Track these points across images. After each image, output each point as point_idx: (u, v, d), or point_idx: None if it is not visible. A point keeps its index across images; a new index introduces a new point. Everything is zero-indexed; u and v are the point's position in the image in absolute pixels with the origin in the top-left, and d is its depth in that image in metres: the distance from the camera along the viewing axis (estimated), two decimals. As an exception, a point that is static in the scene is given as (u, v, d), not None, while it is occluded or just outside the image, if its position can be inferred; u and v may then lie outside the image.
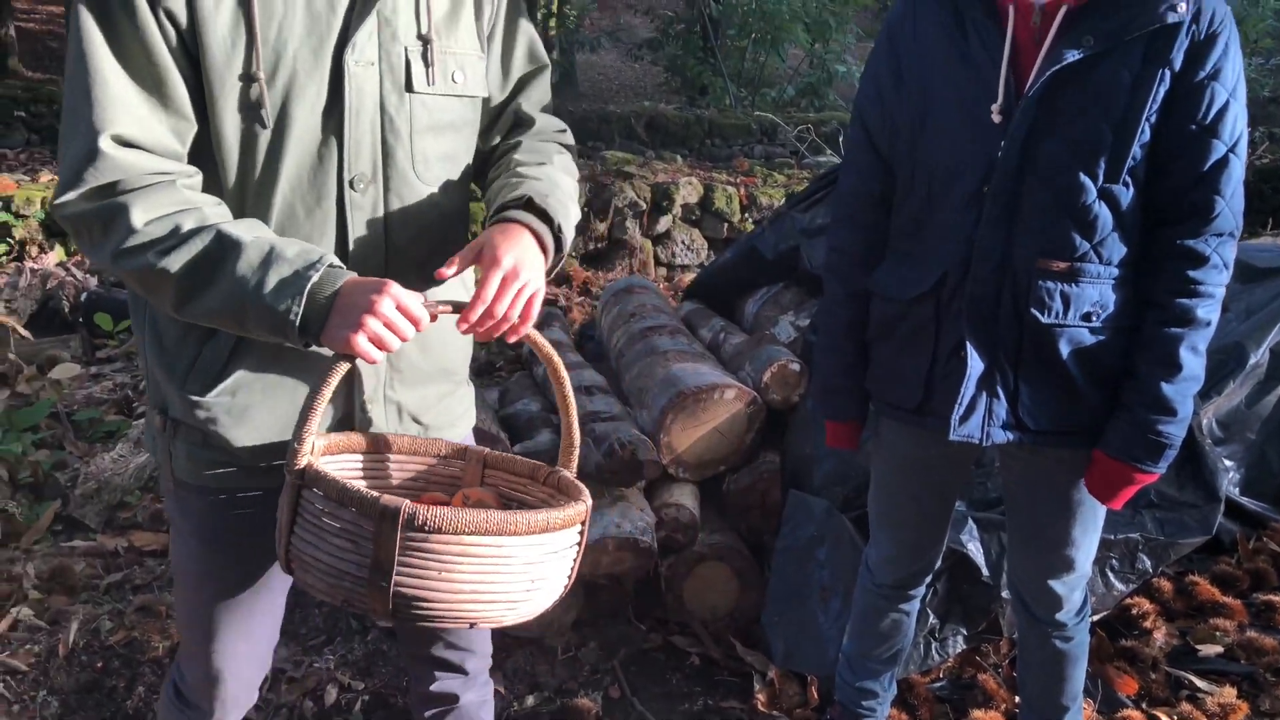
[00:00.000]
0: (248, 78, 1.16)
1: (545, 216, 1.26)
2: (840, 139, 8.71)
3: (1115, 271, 1.48)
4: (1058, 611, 1.75)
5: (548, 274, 1.27)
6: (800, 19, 11.68)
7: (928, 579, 1.93)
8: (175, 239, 1.13)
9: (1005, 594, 2.18)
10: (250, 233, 1.15)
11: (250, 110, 1.17)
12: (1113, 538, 2.31)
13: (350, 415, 1.34)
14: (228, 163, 1.20)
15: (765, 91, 12.33)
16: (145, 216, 1.13)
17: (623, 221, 6.10)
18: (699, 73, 12.89)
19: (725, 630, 2.53)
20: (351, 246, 1.25)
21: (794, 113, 11.07)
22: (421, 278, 1.27)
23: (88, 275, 4.15)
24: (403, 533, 1.06)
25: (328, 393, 1.15)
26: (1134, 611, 2.45)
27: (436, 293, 1.28)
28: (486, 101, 1.38)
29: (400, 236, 1.29)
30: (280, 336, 1.15)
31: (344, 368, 1.15)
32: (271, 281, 1.12)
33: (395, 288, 1.13)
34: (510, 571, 1.12)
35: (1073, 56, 1.38)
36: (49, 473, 3.08)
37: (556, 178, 1.33)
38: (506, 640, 2.44)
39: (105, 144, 1.11)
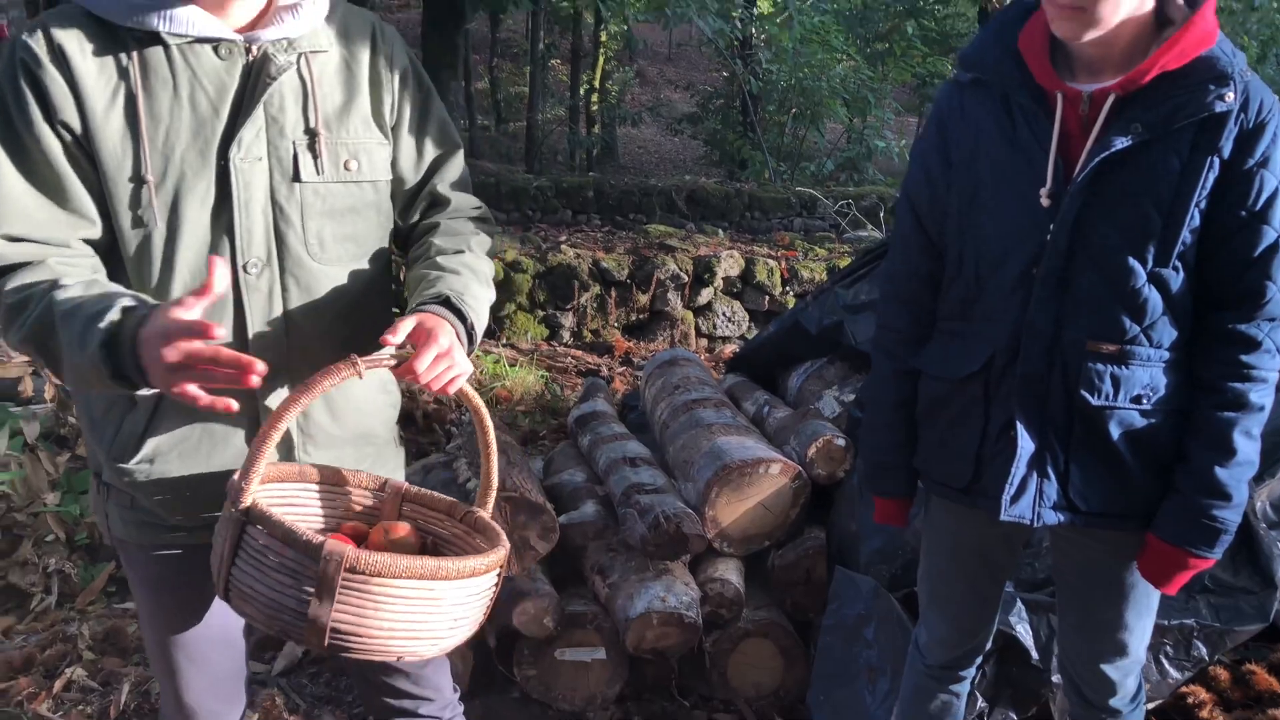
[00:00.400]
0: (138, 179, 1.27)
1: (460, 314, 1.33)
2: (880, 213, 8.78)
3: (1166, 355, 1.49)
4: (1112, 697, 1.72)
5: None
6: (839, 95, 11.85)
7: (978, 660, 1.91)
8: (20, 313, 1.22)
9: (1056, 678, 2.14)
10: (71, 294, 1.21)
11: (140, 210, 1.27)
12: (1167, 623, 2.26)
13: None
14: (129, 258, 1.30)
15: (804, 165, 12.47)
16: (11, 298, 1.22)
17: (665, 293, 6.17)
18: (738, 147, 13.09)
19: (770, 708, 2.51)
20: (250, 326, 1.35)
21: (833, 187, 11.18)
22: (326, 350, 1.36)
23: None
24: (344, 574, 1.13)
25: (281, 428, 1.19)
26: (1190, 700, 2.39)
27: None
28: (401, 183, 1.47)
29: (299, 315, 1.38)
30: (117, 391, 1.21)
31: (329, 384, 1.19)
32: (77, 341, 1.17)
33: (170, 325, 1.12)
34: (438, 611, 1.21)
35: (1121, 144, 1.41)
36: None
37: (474, 265, 1.43)
38: (550, 713, 2.43)
39: None
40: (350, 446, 1.49)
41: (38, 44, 1.23)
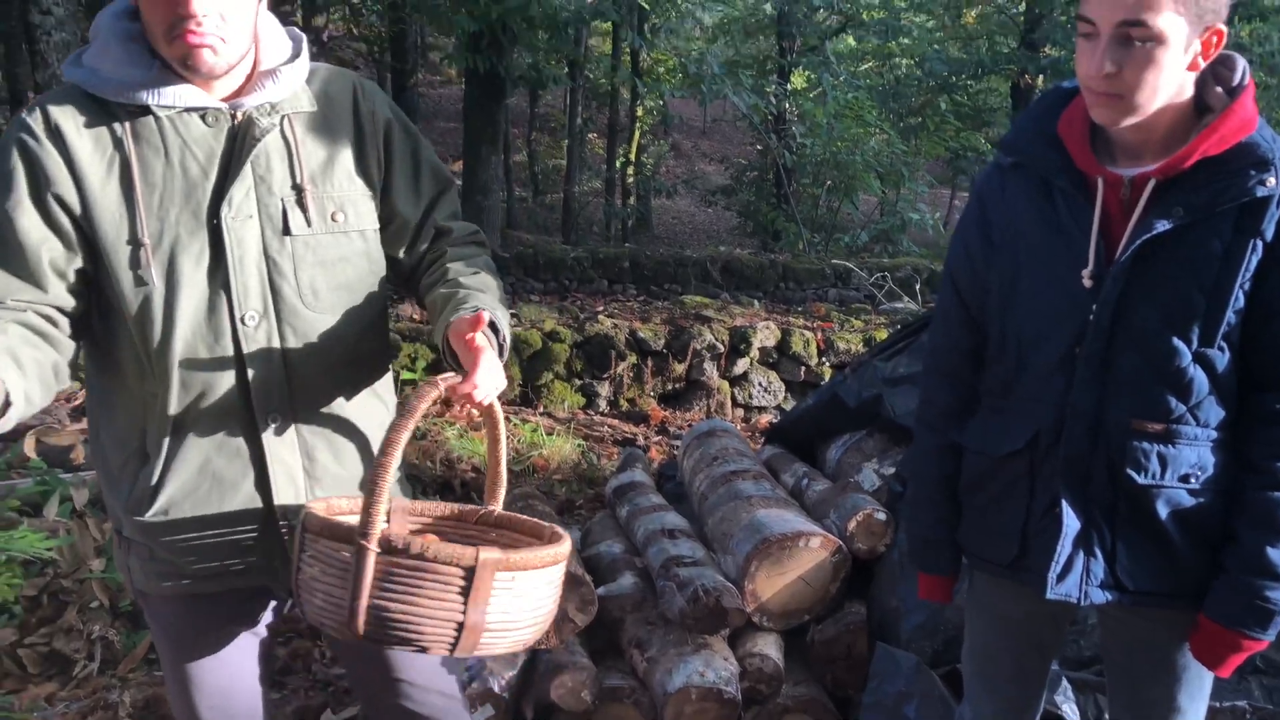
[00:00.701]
0: (135, 243, 1.35)
1: (493, 327, 1.44)
2: (916, 285, 8.80)
3: (1213, 434, 1.49)
4: (1164, 781, 1.68)
5: None
6: (873, 168, 11.97)
7: (1026, 742, 1.87)
8: None
9: (1106, 762, 2.10)
10: None
11: (140, 271, 1.35)
12: (1218, 705, 2.21)
13: (273, 523, 1.47)
14: (132, 317, 1.37)
15: (838, 236, 12.56)
16: None
17: (701, 363, 6.20)
18: (772, 218, 13.21)
19: (810, 788, 2.46)
20: (251, 374, 1.42)
21: (867, 258, 11.23)
22: (326, 392, 1.47)
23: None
24: (496, 577, 1.23)
25: (396, 456, 1.25)
26: (1245, 786, 2.32)
27: (348, 409, 1.51)
28: (404, 223, 1.56)
29: (298, 361, 1.45)
30: None
31: (431, 395, 1.28)
32: None
33: None
34: (550, 599, 1.34)
35: (1163, 227, 1.43)
36: (146, 600, 3.17)
37: (492, 285, 1.54)
38: (587, 789, 2.40)
39: None
40: (355, 487, 1.55)
41: (36, 122, 1.33)
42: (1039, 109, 1.59)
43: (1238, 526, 1.49)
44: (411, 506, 1.55)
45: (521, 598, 1.27)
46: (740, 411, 6.29)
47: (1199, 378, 1.47)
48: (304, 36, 1.52)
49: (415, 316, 6.16)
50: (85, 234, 1.36)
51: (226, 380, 1.41)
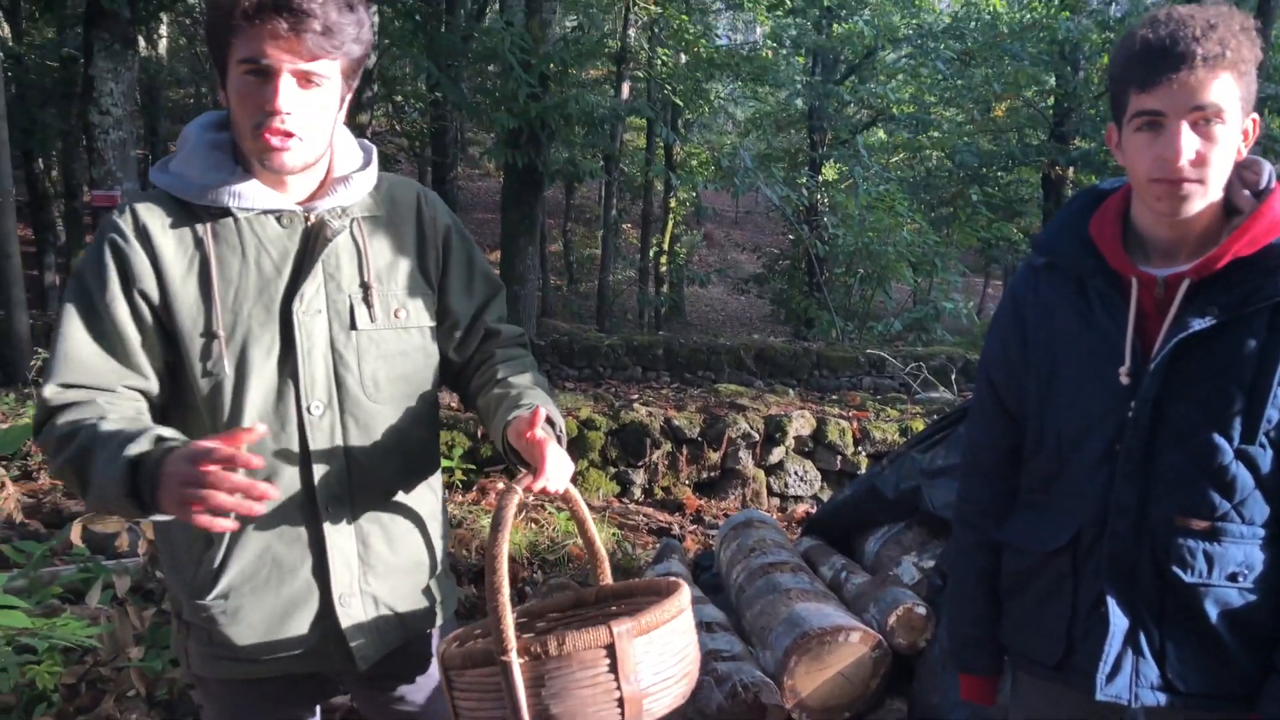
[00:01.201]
0: (209, 334, 1.43)
1: (549, 421, 1.49)
2: (951, 374, 8.78)
3: (1260, 531, 1.48)
4: None
5: None
6: (906, 258, 12.06)
7: None
8: (66, 444, 1.35)
9: None
10: (110, 426, 1.34)
11: (212, 361, 1.43)
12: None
13: (329, 609, 1.51)
14: (203, 405, 1.45)
15: (872, 325, 12.59)
16: (61, 431, 1.36)
17: (736, 452, 6.19)
18: (805, 306, 13.29)
19: None
20: (315, 463, 1.47)
21: (901, 346, 11.23)
22: (383, 481, 1.54)
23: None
24: (633, 645, 1.29)
25: (502, 570, 1.30)
26: None
27: (403, 498, 1.57)
28: (455, 323, 1.63)
29: (359, 450, 1.51)
30: (129, 511, 1.31)
31: (513, 500, 1.34)
32: (106, 461, 1.29)
33: (194, 450, 1.23)
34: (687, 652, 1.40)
35: (1199, 325, 1.44)
36: (184, 689, 3.17)
37: (542, 383, 1.62)
38: None
39: (50, 390, 1.40)
40: (406, 575, 1.59)
41: (125, 222, 1.44)
42: (1071, 210, 1.63)
43: (1288, 626, 1.47)
44: (534, 609, 1.60)
45: (665, 653, 1.32)
46: (776, 501, 6.24)
47: (1242, 475, 1.46)
48: (374, 148, 1.63)
49: (452, 405, 6.23)
50: (165, 326, 1.44)
51: (291, 468, 1.48)
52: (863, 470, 5.89)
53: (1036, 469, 1.64)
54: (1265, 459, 1.46)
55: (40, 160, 14.80)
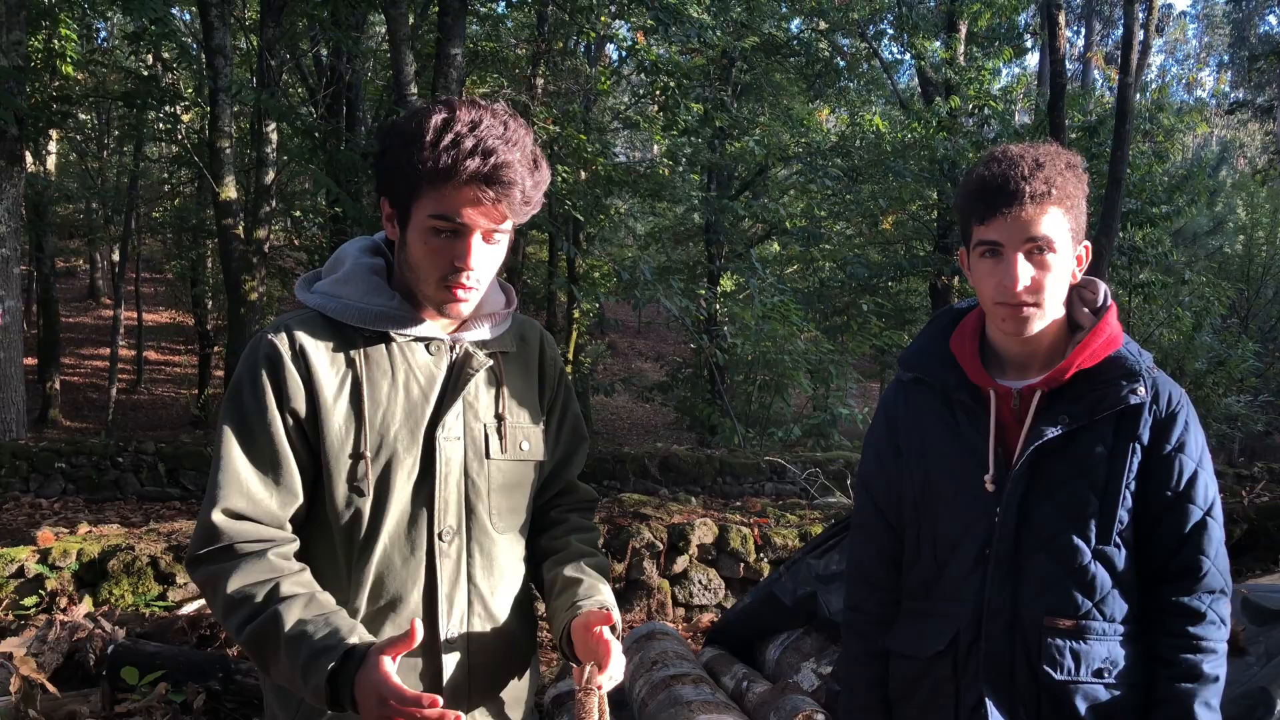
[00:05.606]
0: (356, 455, 1.46)
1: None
2: (847, 480, 8.96)
3: (1121, 628, 1.57)
4: None
5: None
6: (802, 366, 12.38)
7: None
8: (239, 609, 1.36)
9: None
10: (295, 613, 1.35)
11: (357, 481, 1.46)
12: None
13: None
14: (338, 524, 1.47)
15: (772, 431, 12.81)
16: (233, 587, 1.37)
17: (640, 562, 6.17)
18: (708, 414, 13.46)
19: None
20: (440, 588, 1.48)
21: (801, 452, 11.44)
22: (497, 612, 1.55)
23: (116, 627, 4.18)
24: None
25: None
26: None
27: (509, 626, 1.57)
28: (541, 466, 1.66)
29: (479, 579, 1.54)
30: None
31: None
32: (301, 670, 1.32)
33: (388, 691, 1.26)
34: None
35: (1052, 433, 1.56)
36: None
37: (605, 569, 1.64)
38: None
39: (217, 517, 1.39)
40: (506, 702, 1.61)
41: (282, 342, 1.46)
42: (933, 329, 1.75)
43: (1154, 719, 1.55)
44: None
45: None
46: (681, 610, 6.21)
47: (1101, 574, 1.56)
48: (513, 288, 1.69)
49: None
50: (312, 446, 1.46)
51: (416, 593, 1.49)
52: (764, 579, 5.93)
53: (916, 576, 1.71)
54: (1120, 558, 1.56)
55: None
